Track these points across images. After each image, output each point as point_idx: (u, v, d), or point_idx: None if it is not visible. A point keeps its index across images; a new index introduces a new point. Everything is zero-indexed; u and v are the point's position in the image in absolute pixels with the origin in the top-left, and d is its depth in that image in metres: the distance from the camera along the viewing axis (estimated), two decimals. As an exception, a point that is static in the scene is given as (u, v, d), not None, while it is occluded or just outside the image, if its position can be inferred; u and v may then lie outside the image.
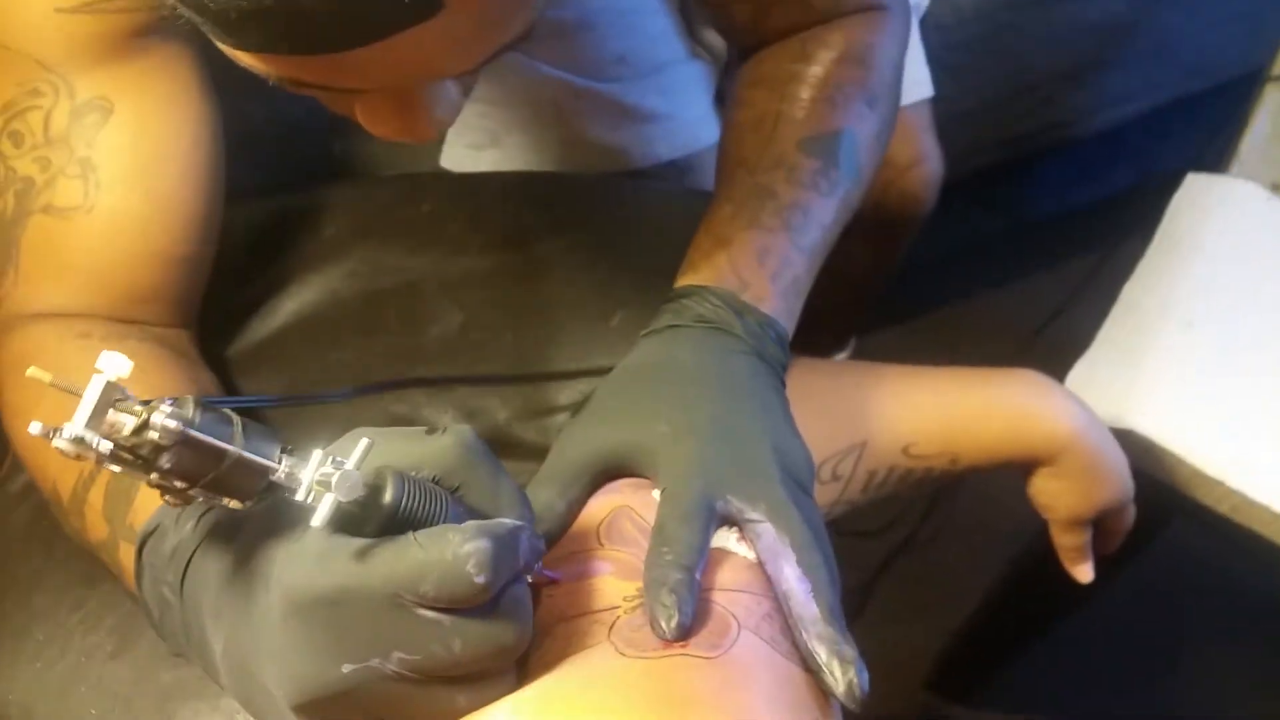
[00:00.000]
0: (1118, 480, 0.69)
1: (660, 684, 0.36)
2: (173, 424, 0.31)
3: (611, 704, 0.35)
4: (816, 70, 0.60)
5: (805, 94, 0.59)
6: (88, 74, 0.51)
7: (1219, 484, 0.82)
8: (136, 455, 0.31)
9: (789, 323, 0.54)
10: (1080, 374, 0.90)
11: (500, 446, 0.56)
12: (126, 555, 0.43)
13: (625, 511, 0.44)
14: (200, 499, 0.33)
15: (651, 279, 0.57)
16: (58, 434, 0.30)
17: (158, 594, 0.41)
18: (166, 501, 0.34)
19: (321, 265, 0.65)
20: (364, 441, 0.34)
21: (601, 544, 0.42)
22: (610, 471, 0.46)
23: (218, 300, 0.60)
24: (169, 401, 0.31)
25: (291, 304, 0.63)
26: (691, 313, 0.51)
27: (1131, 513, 0.73)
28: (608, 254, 0.66)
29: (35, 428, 0.30)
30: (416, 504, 0.34)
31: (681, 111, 0.84)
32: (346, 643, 0.34)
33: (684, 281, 0.54)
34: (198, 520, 0.39)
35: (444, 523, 0.35)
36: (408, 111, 0.42)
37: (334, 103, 0.43)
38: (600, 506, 0.45)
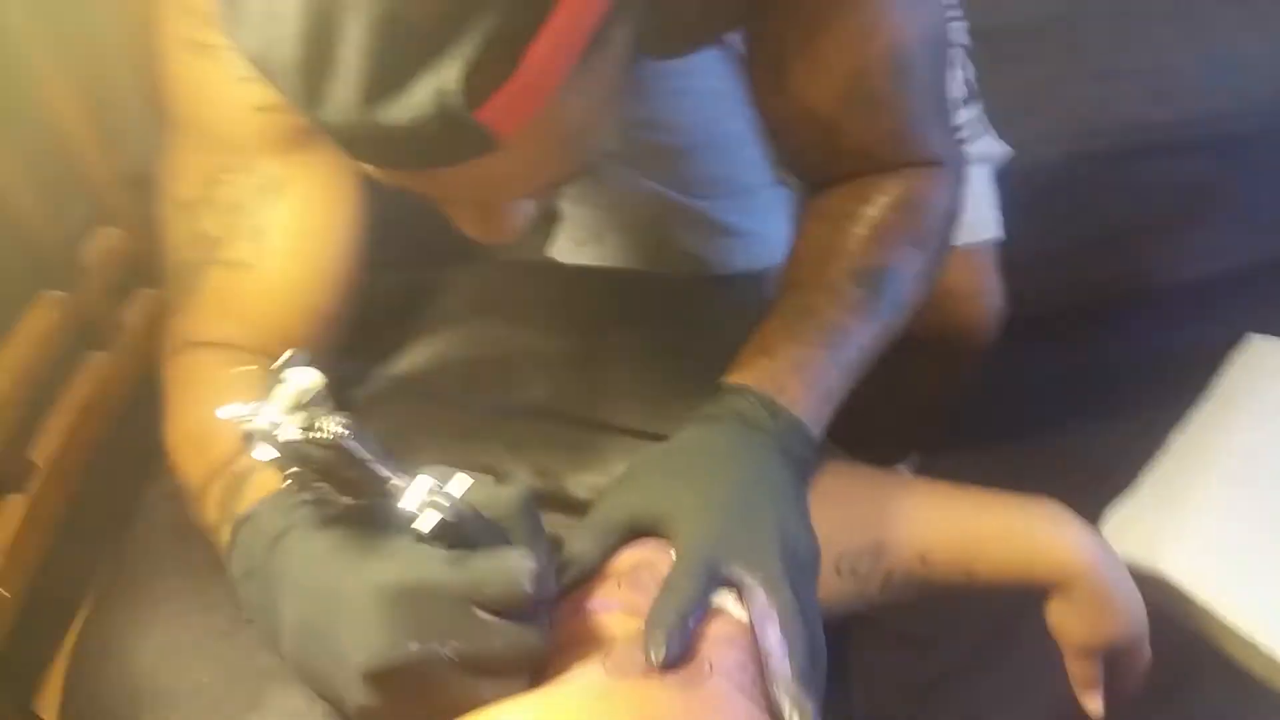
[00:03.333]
0: (1127, 617, 0.69)
1: (636, 703, 0.44)
2: (340, 429, 0.40)
3: (594, 712, 0.44)
4: (872, 212, 0.66)
5: (860, 231, 0.66)
6: (268, 158, 0.61)
7: (1249, 643, 0.83)
8: (296, 449, 0.41)
9: (816, 427, 0.61)
10: (1121, 511, 0.93)
11: (561, 502, 0.63)
12: (227, 535, 0.53)
13: (646, 564, 0.51)
14: (321, 492, 0.43)
15: (713, 374, 0.65)
16: (254, 417, 0.40)
17: (244, 566, 0.50)
18: (287, 489, 0.43)
19: (437, 332, 0.74)
20: (468, 479, 0.44)
21: (619, 588, 0.51)
22: (639, 531, 0.54)
23: (350, 352, 0.69)
24: (339, 414, 0.41)
25: (406, 362, 0.72)
26: (730, 407, 0.59)
27: (1146, 654, 0.72)
28: (677, 349, 0.74)
29: (230, 410, 0.41)
30: (481, 532, 0.44)
31: (763, 229, 0.92)
32: (419, 626, 0.42)
33: (729, 379, 0.61)
34: (288, 512, 0.49)
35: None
36: (486, 219, 0.52)
37: (430, 203, 0.51)
38: (627, 558, 0.53)
